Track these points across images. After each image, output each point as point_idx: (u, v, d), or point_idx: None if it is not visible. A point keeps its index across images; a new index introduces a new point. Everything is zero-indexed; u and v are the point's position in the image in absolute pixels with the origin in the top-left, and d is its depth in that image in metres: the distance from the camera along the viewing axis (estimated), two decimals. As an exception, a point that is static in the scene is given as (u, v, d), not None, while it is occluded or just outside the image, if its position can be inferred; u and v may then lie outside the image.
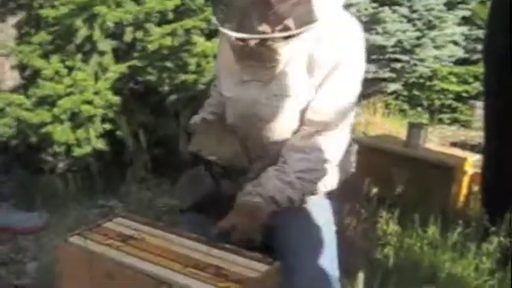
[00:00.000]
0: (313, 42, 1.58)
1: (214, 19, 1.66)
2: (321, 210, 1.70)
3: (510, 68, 2.28)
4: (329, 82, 1.59)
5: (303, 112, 1.64)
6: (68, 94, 3.26)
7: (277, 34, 1.51)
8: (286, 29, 1.51)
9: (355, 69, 1.63)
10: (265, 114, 1.66)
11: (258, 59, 1.60)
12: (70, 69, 3.35)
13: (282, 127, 1.66)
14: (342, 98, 1.63)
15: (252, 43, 1.55)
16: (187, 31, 3.37)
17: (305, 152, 1.60)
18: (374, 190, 2.49)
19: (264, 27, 1.51)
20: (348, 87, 1.64)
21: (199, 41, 3.41)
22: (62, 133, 3.28)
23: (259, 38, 1.53)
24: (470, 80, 5.32)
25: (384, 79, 5.10)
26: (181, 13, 3.47)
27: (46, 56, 3.38)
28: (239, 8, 1.54)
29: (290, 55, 1.59)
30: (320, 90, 1.60)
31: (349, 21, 1.65)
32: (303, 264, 1.57)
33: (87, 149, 3.33)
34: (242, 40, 1.57)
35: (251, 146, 1.71)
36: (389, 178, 2.63)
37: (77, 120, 3.32)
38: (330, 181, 1.72)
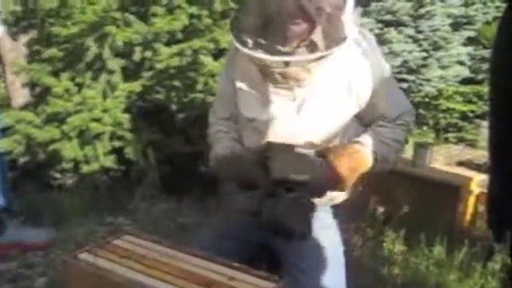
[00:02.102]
0: (345, 61, 1.61)
1: (237, 43, 1.56)
2: (329, 230, 1.72)
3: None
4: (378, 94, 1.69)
5: (342, 130, 1.68)
6: (77, 112, 3.30)
7: (309, 56, 1.51)
8: (316, 50, 1.50)
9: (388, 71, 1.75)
10: (296, 137, 1.66)
11: (290, 79, 1.60)
12: (80, 86, 3.40)
13: (316, 147, 1.67)
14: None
15: (286, 65, 1.53)
16: (195, 51, 3.41)
17: (393, 128, 1.70)
18: (380, 210, 2.51)
19: (298, 49, 1.50)
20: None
21: (207, 60, 3.44)
22: (70, 150, 3.31)
23: (292, 60, 1.51)
24: (475, 99, 5.33)
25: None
26: (189, 33, 3.50)
27: (56, 74, 3.42)
28: (268, 30, 1.51)
29: (322, 74, 1.61)
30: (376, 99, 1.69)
31: (369, 36, 1.72)
32: (312, 283, 1.58)
33: (95, 166, 3.35)
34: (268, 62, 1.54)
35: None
36: (395, 197, 2.64)
37: (85, 137, 3.35)
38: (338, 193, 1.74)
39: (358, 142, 1.65)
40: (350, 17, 1.54)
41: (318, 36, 1.49)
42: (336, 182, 1.57)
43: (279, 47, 1.48)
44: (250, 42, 1.52)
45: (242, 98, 1.78)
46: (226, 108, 1.87)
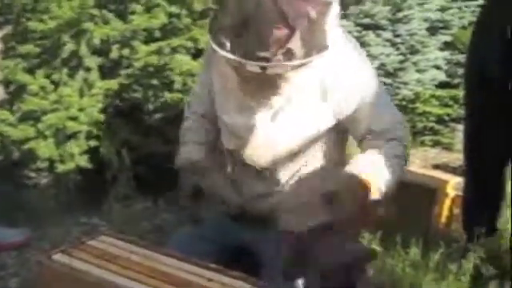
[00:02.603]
0: (323, 68, 1.55)
1: (214, 45, 1.50)
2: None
3: (487, 91, 2.33)
4: (360, 109, 1.62)
5: (322, 141, 1.66)
6: (53, 110, 3.26)
7: (286, 63, 1.45)
8: (293, 58, 1.44)
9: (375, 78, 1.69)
10: (273, 143, 1.63)
11: (267, 85, 1.53)
12: (56, 84, 3.35)
13: (292, 157, 1.65)
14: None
15: (264, 70, 1.46)
16: (173, 50, 3.39)
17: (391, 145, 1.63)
18: (357, 211, 2.51)
19: (276, 57, 1.44)
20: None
21: (185, 59, 3.43)
22: (45, 148, 3.27)
23: (269, 66, 1.44)
24: (451, 103, 5.38)
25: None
26: (167, 31, 3.48)
27: (31, 71, 3.38)
28: (246, 33, 1.44)
29: (301, 83, 1.55)
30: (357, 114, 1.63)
31: (350, 42, 1.67)
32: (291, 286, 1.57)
33: (71, 165, 3.31)
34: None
35: (259, 173, 1.69)
36: (371, 199, 2.64)
37: (61, 136, 3.31)
38: None
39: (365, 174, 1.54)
40: (333, 22, 1.50)
41: (296, 44, 1.43)
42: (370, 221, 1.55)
43: (257, 52, 1.42)
44: (227, 44, 1.46)
45: (218, 99, 1.75)
46: (201, 105, 1.85)
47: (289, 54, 1.43)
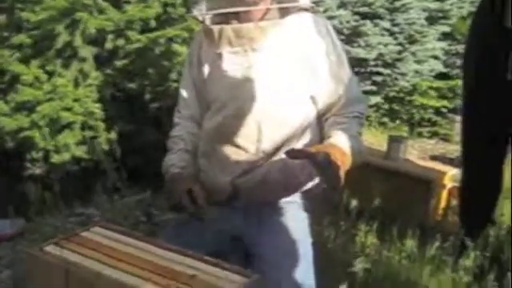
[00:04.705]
0: (299, 38, 1.66)
1: (198, 13, 1.74)
2: (297, 222, 1.71)
3: (486, 84, 2.31)
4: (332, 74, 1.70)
5: (303, 107, 1.69)
6: (47, 100, 3.23)
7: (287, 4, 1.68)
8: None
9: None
10: (258, 109, 1.65)
11: (244, 39, 1.64)
12: (50, 74, 3.33)
13: (279, 121, 1.67)
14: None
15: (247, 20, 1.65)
16: (169, 40, 3.37)
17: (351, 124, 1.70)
18: (354, 203, 2.49)
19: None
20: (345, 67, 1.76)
21: (181, 49, 3.40)
22: (40, 139, 3.25)
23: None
24: (450, 95, 5.37)
25: (365, 92, 5.11)
26: (163, 21, 3.46)
27: (25, 60, 3.35)
28: None
29: (277, 40, 1.65)
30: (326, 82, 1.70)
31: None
32: (279, 276, 1.56)
33: (66, 156, 3.29)
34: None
35: (243, 144, 1.70)
36: (368, 190, 2.63)
37: (56, 126, 3.28)
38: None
39: (335, 140, 1.63)
40: None
41: None
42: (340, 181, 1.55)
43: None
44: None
45: (209, 85, 1.78)
46: (187, 108, 1.90)
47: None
